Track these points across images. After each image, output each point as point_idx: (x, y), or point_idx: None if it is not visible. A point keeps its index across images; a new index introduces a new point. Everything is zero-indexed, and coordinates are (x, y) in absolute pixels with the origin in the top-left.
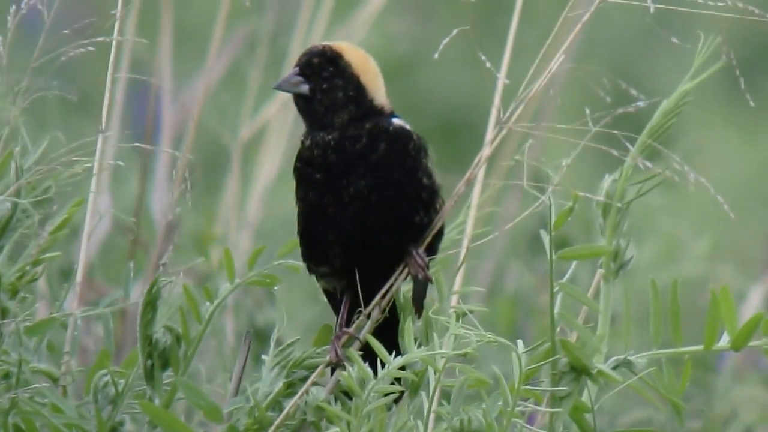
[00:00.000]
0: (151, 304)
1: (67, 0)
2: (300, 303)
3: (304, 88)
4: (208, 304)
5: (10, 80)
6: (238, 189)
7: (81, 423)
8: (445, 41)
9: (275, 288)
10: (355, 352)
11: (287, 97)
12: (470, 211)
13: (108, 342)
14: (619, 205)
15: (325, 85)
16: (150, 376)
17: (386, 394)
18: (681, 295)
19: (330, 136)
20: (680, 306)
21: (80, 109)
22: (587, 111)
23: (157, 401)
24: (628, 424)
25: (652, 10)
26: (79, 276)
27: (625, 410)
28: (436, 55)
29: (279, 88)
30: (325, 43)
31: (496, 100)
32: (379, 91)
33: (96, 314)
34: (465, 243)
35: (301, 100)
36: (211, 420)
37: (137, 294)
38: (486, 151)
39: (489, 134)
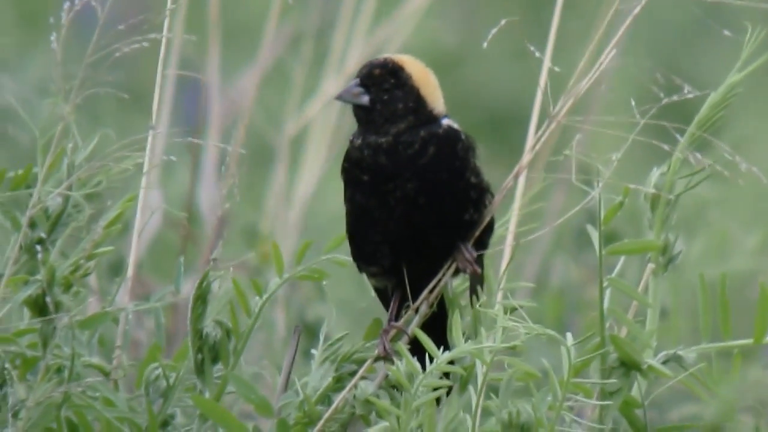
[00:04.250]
0: (201, 298)
1: None
2: (350, 296)
3: (365, 99)
4: (257, 298)
5: (65, 76)
6: (285, 183)
7: (132, 416)
8: (493, 31)
9: (324, 282)
10: (403, 346)
11: (332, 94)
12: (514, 207)
13: (159, 335)
14: (669, 197)
15: (385, 97)
16: (200, 369)
17: (435, 389)
18: (732, 289)
19: (383, 139)
20: (731, 300)
21: (132, 104)
22: (634, 104)
23: (207, 394)
24: (678, 419)
25: None
26: (130, 271)
27: (675, 404)
28: (485, 44)
29: (340, 98)
30: (386, 55)
31: (541, 85)
32: (437, 102)
33: (147, 309)
34: (509, 240)
35: (360, 111)
36: (261, 414)
37: (189, 288)
38: (531, 147)
39: (532, 128)
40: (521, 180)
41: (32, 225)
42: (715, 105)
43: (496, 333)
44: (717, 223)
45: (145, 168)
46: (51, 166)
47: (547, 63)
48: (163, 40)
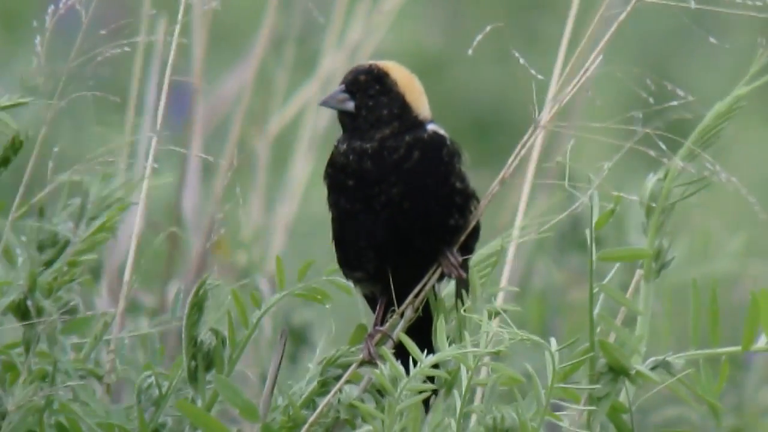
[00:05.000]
0: (197, 305)
1: (103, 0)
2: (341, 301)
3: (350, 105)
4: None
5: (48, 80)
6: (267, 188)
7: (124, 424)
8: (479, 37)
9: (327, 305)
10: (388, 350)
11: (316, 97)
12: (518, 215)
13: (153, 358)
14: (661, 205)
15: (370, 103)
16: (193, 377)
17: (419, 392)
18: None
19: (368, 145)
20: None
21: (116, 108)
22: (624, 110)
23: (199, 403)
24: (661, 422)
25: (693, 5)
26: (127, 274)
27: (657, 408)
28: (470, 51)
29: (325, 104)
30: (371, 61)
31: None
32: (423, 108)
33: (139, 318)
34: (512, 248)
35: (345, 117)
36: (246, 418)
37: (173, 294)
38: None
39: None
40: (525, 189)
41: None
42: (719, 116)
43: (480, 337)
44: (700, 226)
45: (142, 173)
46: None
47: (554, 76)
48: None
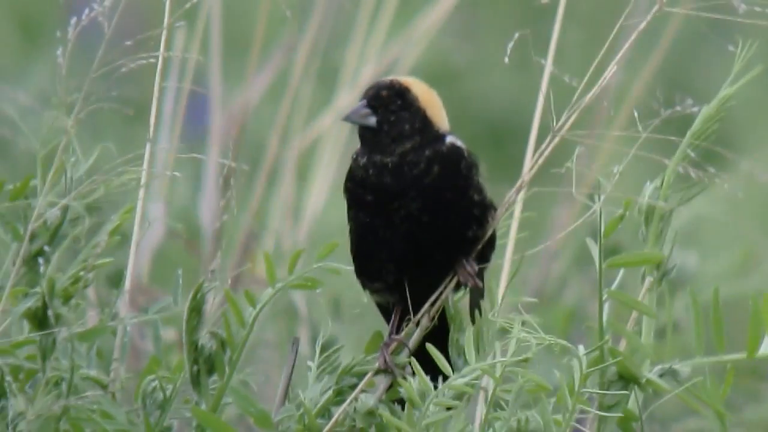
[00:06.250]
0: (196, 310)
1: (126, 12)
2: (363, 311)
3: (372, 121)
4: (251, 309)
5: (70, 90)
6: (292, 197)
7: (130, 428)
8: (510, 45)
9: (317, 290)
10: (406, 359)
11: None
12: (513, 219)
13: (157, 347)
14: (666, 210)
15: (392, 118)
16: (196, 381)
17: (448, 408)
18: (745, 307)
19: (389, 159)
20: (742, 318)
21: (136, 118)
22: (637, 116)
23: (203, 406)
24: None
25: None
26: (127, 283)
27: (678, 419)
28: (507, 59)
29: (348, 119)
30: (392, 77)
31: (541, 99)
32: (442, 122)
33: (147, 320)
34: (509, 251)
35: (367, 132)
36: (260, 427)
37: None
38: (533, 162)
39: (531, 143)
40: (521, 194)
41: (31, 238)
42: (708, 118)
43: (507, 345)
44: (741, 241)
45: (143, 180)
46: (51, 178)
47: (546, 76)
48: (163, 56)
